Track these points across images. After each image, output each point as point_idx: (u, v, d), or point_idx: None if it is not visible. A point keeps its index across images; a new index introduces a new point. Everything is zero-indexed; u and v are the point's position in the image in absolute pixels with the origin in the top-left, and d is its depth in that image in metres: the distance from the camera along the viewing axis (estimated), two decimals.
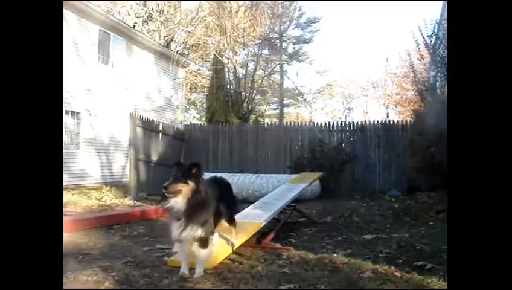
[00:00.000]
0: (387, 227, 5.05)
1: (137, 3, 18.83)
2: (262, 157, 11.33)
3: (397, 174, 10.11)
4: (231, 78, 16.45)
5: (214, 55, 16.09)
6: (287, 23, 23.31)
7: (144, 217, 5.66)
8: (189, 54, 19.98)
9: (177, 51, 17.36)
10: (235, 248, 3.23)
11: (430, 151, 6.67)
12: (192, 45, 19.81)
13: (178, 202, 2.57)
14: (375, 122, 10.82)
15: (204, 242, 2.70)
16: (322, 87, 30.90)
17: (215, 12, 15.67)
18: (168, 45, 17.93)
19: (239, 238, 3.31)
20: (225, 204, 3.10)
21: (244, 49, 19.31)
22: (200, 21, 19.09)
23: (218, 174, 7.33)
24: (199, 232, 2.63)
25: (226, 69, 16.08)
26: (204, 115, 21.02)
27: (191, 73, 20.90)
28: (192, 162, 2.73)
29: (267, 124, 13.16)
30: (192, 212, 2.59)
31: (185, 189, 2.57)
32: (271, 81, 25.42)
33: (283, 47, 24.97)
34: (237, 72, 16.66)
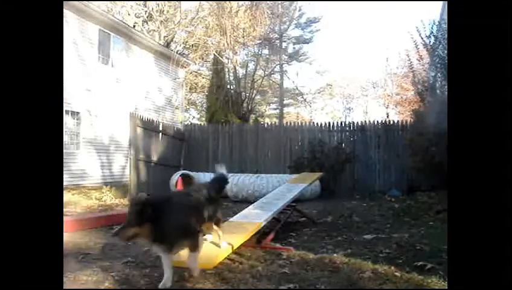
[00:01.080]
0: (387, 227, 5.05)
1: (137, 3, 18.85)
2: (262, 157, 11.33)
3: (397, 174, 10.10)
4: (231, 78, 16.46)
5: (214, 55, 16.10)
6: (287, 23, 23.29)
7: None
8: (189, 54, 19.98)
9: (177, 51, 17.38)
10: (234, 248, 3.22)
11: (430, 151, 6.67)
12: (192, 45, 19.81)
13: (142, 241, 2.41)
14: (375, 122, 10.81)
15: (191, 248, 2.55)
16: (322, 87, 30.90)
17: (215, 13, 15.67)
18: (168, 45, 17.94)
19: (239, 238, 3.30)
20: (211, 207, 2.91)
21: (244, 49, 19.33)
22: (200, 21, 19.11)
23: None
24: (179, 248, 2.51)
25: (226, 69, 16.09)
26: (204, 115, 21.02)
27: (191, 73, 20.90)
28: (146, 197, 2.35)
29: (267, 124, 13.12)
30: (163, 239, 2.35)
31: (142, 231, 2.27)
32: (271, 81, 25.41)
33: (283, 47, 24.95)
34: (237, 72, 16.67)
